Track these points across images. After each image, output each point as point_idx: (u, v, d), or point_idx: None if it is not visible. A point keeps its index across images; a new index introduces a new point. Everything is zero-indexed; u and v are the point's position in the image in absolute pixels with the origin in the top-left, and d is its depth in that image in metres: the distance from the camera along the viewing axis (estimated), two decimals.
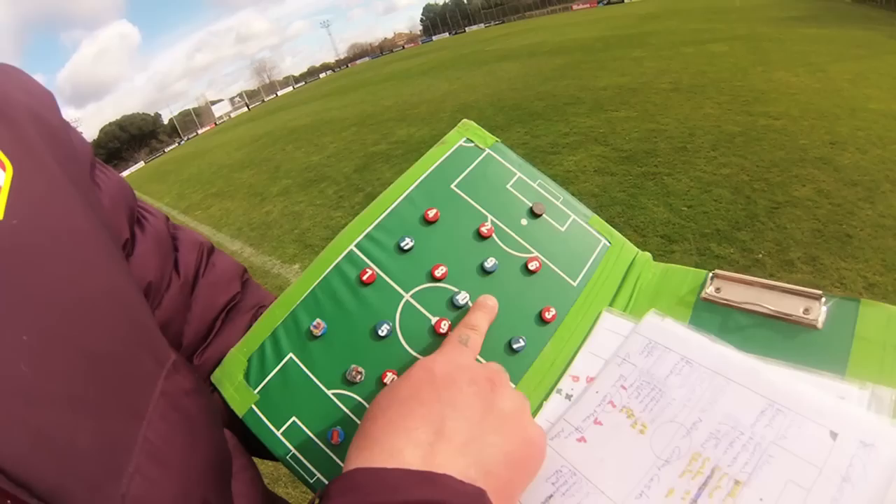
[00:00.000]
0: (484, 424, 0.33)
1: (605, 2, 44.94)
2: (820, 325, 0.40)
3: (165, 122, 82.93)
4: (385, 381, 0.44)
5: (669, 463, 0.35)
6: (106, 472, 0.27)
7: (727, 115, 5.36)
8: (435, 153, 0.55)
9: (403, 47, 79.27)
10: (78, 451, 0.26)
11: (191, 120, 72.92)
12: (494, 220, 0.52)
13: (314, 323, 0.47)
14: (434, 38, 76.42)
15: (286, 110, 24.12)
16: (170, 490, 0.31)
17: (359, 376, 0.45)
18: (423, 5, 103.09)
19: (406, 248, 0.50)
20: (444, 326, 0.46)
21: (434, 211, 0.51)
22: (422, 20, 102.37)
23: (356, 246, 0.50)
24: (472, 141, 0.56)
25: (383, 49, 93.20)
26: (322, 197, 6.43)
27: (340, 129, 10.91)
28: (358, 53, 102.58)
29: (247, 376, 0.47)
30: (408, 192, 0.53)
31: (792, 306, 0.42)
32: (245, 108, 63.73)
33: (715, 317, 0.45)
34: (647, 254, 0.54)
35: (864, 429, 0.32)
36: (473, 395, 0.34)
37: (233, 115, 62.78)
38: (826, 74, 6.43)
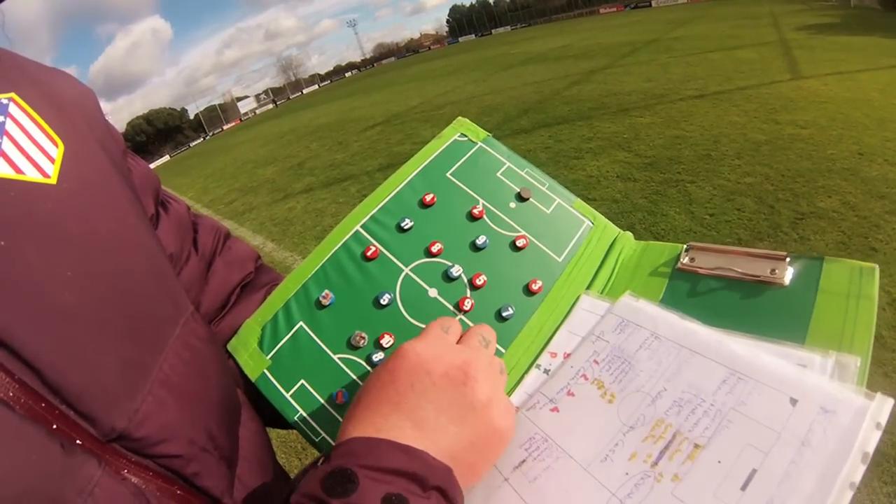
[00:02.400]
0: (451, 413, 0.35)
1: (633, 6, 44.58)
2: (786, 282, 0.43)
3: (191, 117, 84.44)
4: (382, 342, 0.49)
5: (634, 429, 0.37)
6: (124, 390, 0.32)
7: (753, 123, 5.27)
8: (432, 146, 0.61)
9: (429, 48, 79.59)
10: (103, 368, 0.31)
11: (216, 115, 74.09)
12: (485, 203, 0.57)
13: (322, 294, 0.52)
14: (460, 39, 76.59)
15: (311, 108, 24.42)
16: (176, 413, 0.36)
17: (362, 341, 0.49)
18: (450, 7, 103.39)
19: (406, 227, 0.55)
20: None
21: (431, 195, 0.57)
22: (448, 21, 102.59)
23: (362, 226, 0.56)
24: (465, 136, 0.62)
25: (409, 49, 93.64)
26: (345, 195, 6.48)
27: (365, 128, 10.99)
28: (384, 53, 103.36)
29: (260, 343, 0.51)
30: (408, 179, 0.59)
31: (760, 268, 0.45)
32: (270, 105, 64.51)
33: (688, 284, 0.48)
34: (629, 233, 0.58)
35: (825, 395, 0.33)
36: (444, 387, 0.36)
37: (258, 111, 63.75)
38: (856, 83, 6.27)
